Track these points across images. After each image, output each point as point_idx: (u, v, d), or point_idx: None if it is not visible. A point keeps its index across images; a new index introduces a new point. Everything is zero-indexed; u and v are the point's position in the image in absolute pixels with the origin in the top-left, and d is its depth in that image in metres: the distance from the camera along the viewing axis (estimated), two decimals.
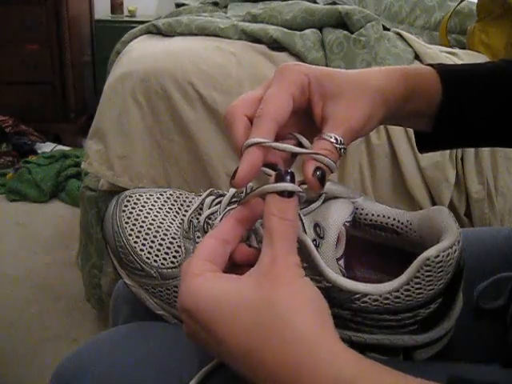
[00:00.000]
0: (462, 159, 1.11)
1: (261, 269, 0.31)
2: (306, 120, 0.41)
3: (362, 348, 0.41)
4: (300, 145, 0.39)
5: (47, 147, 2.39)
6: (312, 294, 0.31)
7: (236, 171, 0.36)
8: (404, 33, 1.28)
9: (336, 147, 0.37)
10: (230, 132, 0.38)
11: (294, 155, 0.39)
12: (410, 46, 1.23)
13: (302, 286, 0.31)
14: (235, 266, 0.37)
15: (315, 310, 0.30)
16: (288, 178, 0.33)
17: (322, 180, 0.36)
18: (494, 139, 0.50)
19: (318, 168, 0.36)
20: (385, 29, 1.27)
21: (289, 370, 0.28)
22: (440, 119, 0.45)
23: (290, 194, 0.33)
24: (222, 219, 0.45)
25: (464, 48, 1.44)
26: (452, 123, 0.46)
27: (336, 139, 0.37)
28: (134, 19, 2.68)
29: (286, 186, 0.33)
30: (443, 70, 0.45)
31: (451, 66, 0.47)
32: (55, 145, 2.44)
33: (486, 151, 1.11)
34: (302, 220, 0.39)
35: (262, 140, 0.35)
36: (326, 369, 0.28)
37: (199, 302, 0.31)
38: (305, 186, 0.36)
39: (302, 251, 0.37)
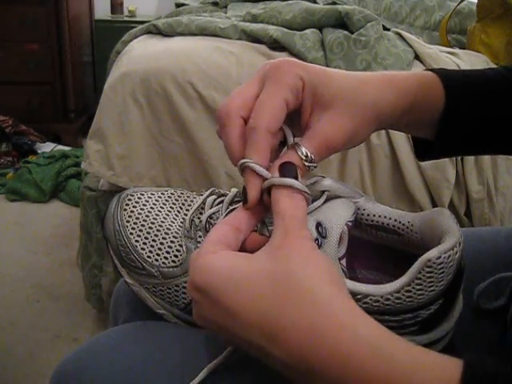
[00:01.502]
0: (461, 159, 1.11)
1: (274, 242, 0.31)
2: (295, 115, 0.40)
3: None
4: (284, 138, 0.39)
5: (47, 147, 2.39)
6: (327, 264, 0.31)
7: (245, 193, 0.36)
8: (404, 33, 1.28)
9: (304, 164, 0.36)
10: (224, 133, 0.38)
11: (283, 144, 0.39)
12: (410, 46, 1.23)
13: (316, 256, 0.31)
14: None
15: (331, 277, 0.30)
16: (293, 174, 0.34)
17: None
18: (499, 146, 0.49)
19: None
20: (385, 29, 1.27)
21: (311, 333, 0.27)
22: (443, 128, 0.44)
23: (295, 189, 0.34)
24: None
25: (464, 48, 1.44)
26: (455, 131, 0.45)
27: (307, 155, 0.36)
28: (134, 19, 2.68)
29: (293, 182, 0.33)
30: (445, 76, 0.44)
31: (453, 72, 0.46)
32: (55, 145, 2.44)
33: None
34: None
35: (258, 169, 0.35)
36: (348, 330, 0.27)
37: (212, 277, 0.31)
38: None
39: None
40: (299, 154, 0.37)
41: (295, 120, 0.39)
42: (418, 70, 1.18)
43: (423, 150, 0.49)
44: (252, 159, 0.35)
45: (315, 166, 0.37)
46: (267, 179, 0.35)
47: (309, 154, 0.37)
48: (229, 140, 0.37)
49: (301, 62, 0.39)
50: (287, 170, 0.34)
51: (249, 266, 0.30)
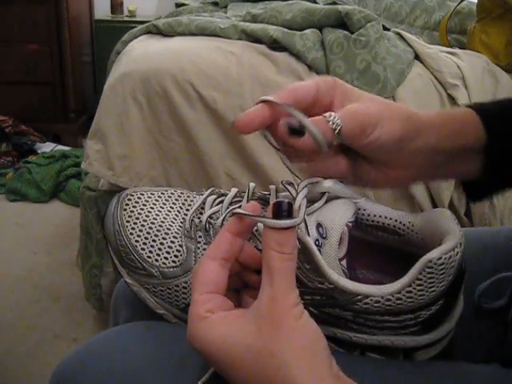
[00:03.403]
0: None
1: (261, 310, 0.32)
2: None
3: (362, 348, 0.41)
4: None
5: (47, 147, 2.39)
6: (311, 337, 0.32)
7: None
8: (404, 33, 1.28)
9: (328, 121, 0.37)
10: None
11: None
12: (410, 46, 1.23)
13: (300, 329, 0.32)
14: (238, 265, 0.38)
15: (313, 357, 0.31)
16: (285, 212, 0.32)
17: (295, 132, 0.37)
18: None
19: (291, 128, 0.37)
20: (385, 29, 1.27)
21: None
22: (489, 162, 0.44)
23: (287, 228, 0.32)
24: (223, 219, 0.45)
25: (464, 48, 1.44)
26: (502, 162, 0.44)
27: (330, 115, 0.37)
28: (133, 19, 2.68)
29: (284, 223, 0.32)
30: (480, 109, 0.44)
31: (486, 103, 0.46)
32: (55, 145, 2.44)
33: None
34: (304, 220, 0.39)
35: (272, 99, 0.36)
36: None
37: (205, 347, 0.33)
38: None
39: (305, 253, 0.37)
40: (322, 115, 0.37)
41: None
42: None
43: (474, 191, 0.48)
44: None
45: (340, 128, 0.37)
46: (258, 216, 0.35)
47: (333, 115, 0.37)
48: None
49: None
50: (278, 210, 0.33)
51: (239, 344, 0.32)
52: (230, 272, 0.36)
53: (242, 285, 0.40)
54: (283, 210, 0.32)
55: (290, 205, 0.33)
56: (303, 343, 0.31)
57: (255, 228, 0.41)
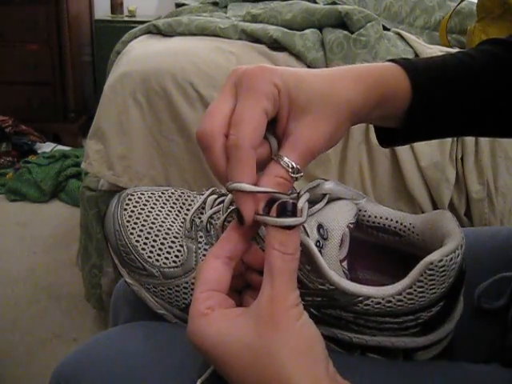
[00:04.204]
0: (461, 159, 1.11)
1: (260, 310, 0.32)
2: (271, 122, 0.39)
3: (362, 349, 0.41)
4: (270, 147, 0.38)
5: (47, 147, 2.39)
6: (309, 338, 0.32)
7: (239, 214, 0.35)
8: (404, 33, 1.28)
9: (291, 176, 0.36)
10: (209, 155, 0.36)
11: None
12: (410, 46, 1.23)
13: (298, 330, 0.32)
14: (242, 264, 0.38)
15: (310, 358, 0.31)
16: (290, 211, 0.32)
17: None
18: (463, 127, 0.48)
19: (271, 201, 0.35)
20: (385, 29, 1.27)
21: None
22: (410, 121, 0.44)
23: (291, 227, 0.32)
24: (224, 220, 0.45)
25: (464, 48, 1.44)
26: (423, 124, 0.44)
27: (292, 166, 0.36)
28: (133, 19, 2.68)
29: (288, 221, 0.32)
30: (410, 68, 0.43)
31: (417, 61, 0.45)
32: (55, 145, 2.44)
33: (485, 151, 1.11)
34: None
35: (246, 188, 0.34)
36: None
37: (204, 344, 0.33)
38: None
39: (306, 254, 0.37)
40: (284, 166, 0.36)
41: (271, 127, 0.38)
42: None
43: (386, 137, 0.48)
44: (238, 179, 0.35)
45: (301, 175, 0.37)
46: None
47: (294, 165, 0.36)
48: (216, 161, 0.36)
49: (271, 66, 0.38)
50: (282, 209, 0.33)
51: (237, 343, 0.32)
52: (234, 272, 0.36)
53: (245, 285, 0.40)
54: (287, 210, 0.33)
55: (295, 205, 0.33)
56: (301, 344, 0.31)
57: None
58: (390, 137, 0.47)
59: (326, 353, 0.32)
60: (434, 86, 0.44)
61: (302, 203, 0.35)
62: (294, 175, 0.36)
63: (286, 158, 0.36)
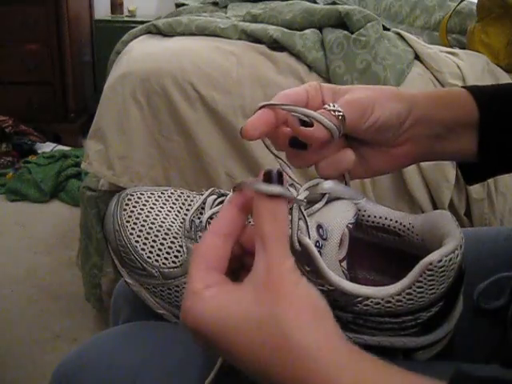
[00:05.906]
0: None
1: (258, 279, 0.31)
2: None
3: (361, 348, 0.41)
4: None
5: (47, 147, 2.39)
6: (311, 299, 0.31)
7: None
8: (404, 33, 1.28)
9: (330, 110, 0.39)
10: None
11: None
12: (410, 46, 1.23)
13: (300, 292, 0.30)
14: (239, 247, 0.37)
15: (316, 318, 0.30)
16: (275, 180, 0.32)
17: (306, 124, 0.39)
18: None
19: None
20: (385, 29, 1.27)
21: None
22: (483, 136, 0.45)
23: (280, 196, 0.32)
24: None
25: (464, 48, 1.44)
26: (496, 142, 0.45)
27: (330, 105, 0.39)
28: (133, 19, 2.68)
29: (275, 189, 0.31)
30: (475, 89, 0.46)
31: (484, 87, 0.47)
32: (55, 145, 2.44)
33: None
34: (306, 221, 0.39)
35: (271, 102, 0.38)
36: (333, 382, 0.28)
37: (202, 326, 0.31)
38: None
39: (305, 255, 0.37)
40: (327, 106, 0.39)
41: None
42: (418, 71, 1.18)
43: (470, 173, 0.50)
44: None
45: (342, 115, 0.39)
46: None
47: (331, 103, 0.40)
48: None
49: None
50: (269, 177, 0.32)
51: (237, 313, 0.30)
52: (231, 253, 0.35)
53: (240, 266, 0.38)
54: (274, 179, 0.32)
55: (280, 173, 0.32)
56: (305, 305, 0.30)
57: None
58: (475, 173, 0.49)
59: (329, 309, 0.31)
60: (499, 105, 0.45)
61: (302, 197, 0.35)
62: (333, 108, 0.39)
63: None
